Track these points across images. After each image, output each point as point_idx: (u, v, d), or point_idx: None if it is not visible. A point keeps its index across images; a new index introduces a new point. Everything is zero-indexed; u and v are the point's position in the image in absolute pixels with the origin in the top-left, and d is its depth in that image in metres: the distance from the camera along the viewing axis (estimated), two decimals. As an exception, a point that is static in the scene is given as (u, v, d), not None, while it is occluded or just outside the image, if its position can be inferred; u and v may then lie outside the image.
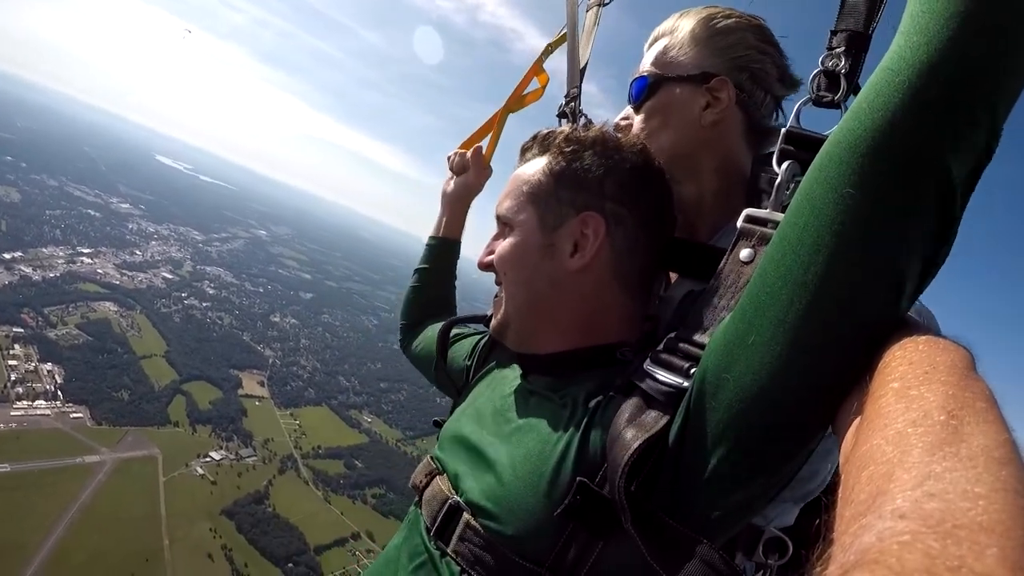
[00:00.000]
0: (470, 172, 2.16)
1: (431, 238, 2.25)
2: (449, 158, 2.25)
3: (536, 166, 1.38)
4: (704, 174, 1.45)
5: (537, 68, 2.32)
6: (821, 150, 0.84)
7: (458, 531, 1.16)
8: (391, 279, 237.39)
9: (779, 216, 1.02)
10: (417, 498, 1.36)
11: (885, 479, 0.48)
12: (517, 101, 2.34)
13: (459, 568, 1.13)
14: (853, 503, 0.50)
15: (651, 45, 1.56)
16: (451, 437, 1.40)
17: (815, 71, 1.17)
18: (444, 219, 2.22)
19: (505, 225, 1.39)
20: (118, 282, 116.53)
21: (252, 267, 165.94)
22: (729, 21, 1.47)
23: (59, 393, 77.03)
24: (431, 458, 1.41)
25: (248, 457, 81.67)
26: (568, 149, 1.35)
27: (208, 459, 77.43)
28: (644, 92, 1.51)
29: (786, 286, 0.83)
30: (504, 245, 1.37)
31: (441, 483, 1.29)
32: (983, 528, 0.38)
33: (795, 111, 1.17)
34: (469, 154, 2.17)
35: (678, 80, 1.46)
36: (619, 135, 1.43)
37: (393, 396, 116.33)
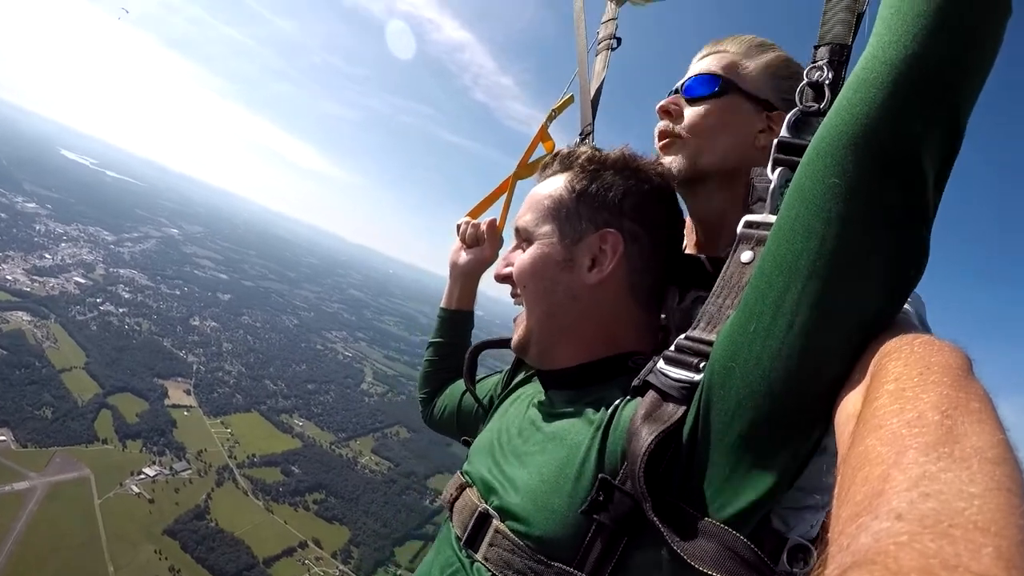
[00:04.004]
0: (485, 246, 2.08)
1: (443, 310, 2.18)
2: (459, 227, 2.15)
3: (557, 182, 1.39)
4: (738, 189, 1.41)
5: (543, 134, 2.21)
6: (809, 145, 0.89)
7: (488, 537, 1.17)
8: (308, 277, 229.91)
9: (774, 218, 1.05)
10: (448, 512, 1.36)
11: (881, 480, 0.48)
12: (526, 168, 2.22)
13: (490, 573, 1.13)
14: (849, 503, 0.49)
15: (713, 52, 1.53)
16: (480, 451, 1.42)
17: (801, 84, 1.20)
18: (456, 291, 2.14)
19: (524, 238, 1.39)
20: (29, 289, 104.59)
21: (166, 268, 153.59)
22: (797, 70, 1.46)
23: (-23, 415, 68.02)
24: (461, 472, 1.42)
25: (183, 471, 76.15)
26: (591, 168, 1.37)
27: (142, 476, 71.36)
28: (714, 90, 1.46)
29: (781, 273, 0.86)
30: (524, 257, 1.37)
31: (471, 494, 1.30)
32: (978, 527, 0.37)
33: (786, 122, 1.19)
34: (484, 227, 2.09)
35: (747, 96, 1.45)
36: (639, 155, 1.43)
37: (321, 398, 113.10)
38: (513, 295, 1.42)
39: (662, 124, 1.52)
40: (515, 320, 1.44)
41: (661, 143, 1.51)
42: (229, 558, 63.89)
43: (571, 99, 2.24)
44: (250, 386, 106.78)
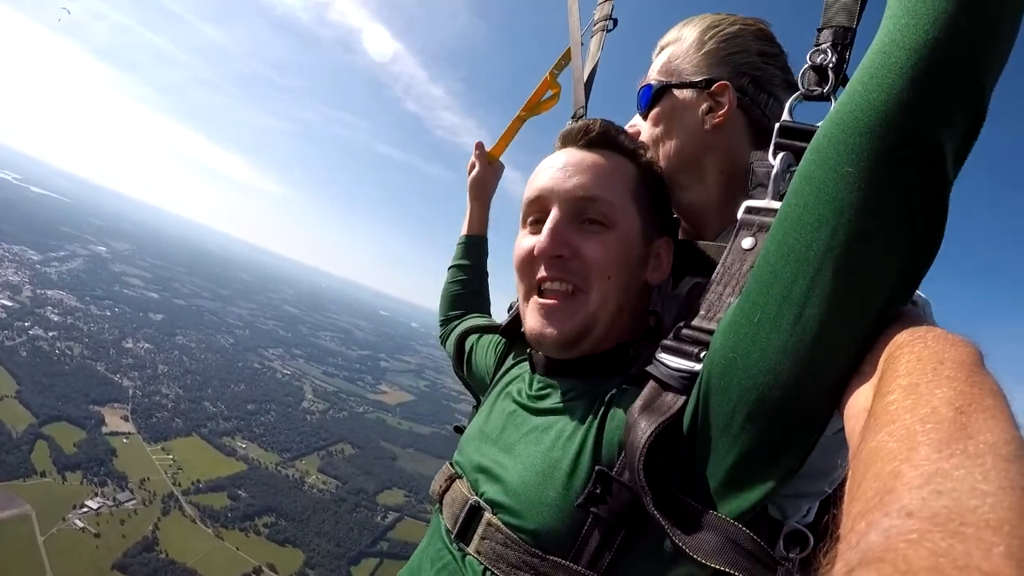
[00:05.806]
0: (477, 168, 2.25)
1: (461, 236, 2.30)
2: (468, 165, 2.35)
3: (628, 169, 1.30)
4: (709, 177, 1.40)
5: (550, 81, 2.33)
6: (817, 132, 0.84)
7: (479, 530, 1.13)
8: (241, 294, 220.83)
9: (777, 204, 1.02)
10: (438, 504, 1.32)
11: (892, 476, 0.46)
12: (533, 107, 2.36)
13: (482, 567, 1.09)
14: (860, 500, 0.48)
15: (657, 54, 1.53)
16: (471, 441, 1.36)
17: (804, 67, 1.16)
18: (469, 217, 2.30)
19: (597, 219, 1.24)
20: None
21: (96, 288, 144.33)
22: (732, 28, 1.42)
23: (-95, 454, 62.43)
24: (450, 463, 1.37)
25: (127, 501, 72.12)
26: (658, 171, 1.36)
27: (85, 509, 66.96)
28: (650, 100, 1.47)
29: (789, 263, 0.82)
30: (611, 246, 1.23)
31: (461, 486, 1.25)
32: (990, 526, 0.36)
33: (787, 106, 1.16)
34: (474, 153, 2.24)
35: (681, 86, 1.43)
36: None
37: (263, 418, 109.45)
38: (556, 278, 1.24)
39: None
40: (546, 302, 1.25)
41: None
42: (184, 589, 61.39)
43: (571, 56, 2.27)
44: (189, 409, 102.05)
